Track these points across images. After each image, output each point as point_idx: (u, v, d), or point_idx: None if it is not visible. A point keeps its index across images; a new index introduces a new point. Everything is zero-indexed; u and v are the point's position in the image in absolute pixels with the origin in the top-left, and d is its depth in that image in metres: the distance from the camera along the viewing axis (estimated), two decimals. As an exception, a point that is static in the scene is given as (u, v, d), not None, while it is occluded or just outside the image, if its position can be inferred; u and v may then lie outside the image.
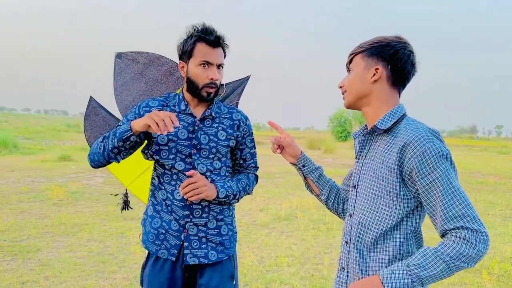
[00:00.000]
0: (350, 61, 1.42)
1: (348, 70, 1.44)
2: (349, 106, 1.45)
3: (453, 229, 1.20)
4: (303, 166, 1.65)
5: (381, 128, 1.33)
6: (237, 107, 2.09)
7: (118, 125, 1.81)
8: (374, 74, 1.35)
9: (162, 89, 2.10)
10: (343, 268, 1.44)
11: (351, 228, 1.41)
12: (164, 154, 1.78)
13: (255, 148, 1.96)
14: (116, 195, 2.32)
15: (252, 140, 1.93)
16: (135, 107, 1.86)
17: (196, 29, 1.75)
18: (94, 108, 2.13)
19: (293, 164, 1.67)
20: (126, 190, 2.26)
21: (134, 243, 4.95)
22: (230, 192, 1.80)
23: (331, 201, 1.65)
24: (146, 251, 1.88)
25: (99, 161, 1.74)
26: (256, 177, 1.99)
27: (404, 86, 1.40)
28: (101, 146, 1.69)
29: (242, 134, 1.88)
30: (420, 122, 1.35)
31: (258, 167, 1.99)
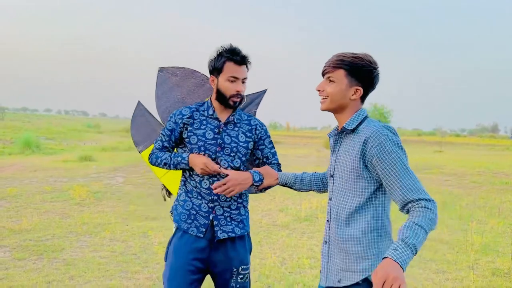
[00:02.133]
0: (331, 70, 1.70)
1: (326, 74, 1.72)
2: (325, 110, 1.77)
3: (413, 200, 1.52)
4: (285, 184, 2.10)
5: (348, 128, 1.68)
6: (254, 115, 2.50)
7: (161, 134, 2.24)
8: (354, 93, 1.69)
9: (194, 97, 2.53)
10: (325, 241, 1.77)
11: (331, 208, 1.75)
12: (195, 151, 2.14)
13: (274, 149, 2.30)
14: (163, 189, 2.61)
15: (271, 142, 2.28)
16: (171, 115, 2.23)
17: (225, 49, 2.11)
18: (141, 110, 2.62)
19: (279, 184, 2.11)
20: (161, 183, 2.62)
21: (157, 243, 4.98)
22: (262, 176, 2.17)
23: (321, 189, 2.07)
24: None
25: (156, 167, 2.26)
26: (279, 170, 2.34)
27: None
28: (163, 166, 2.20)
29: (259, 136, 2.23)
30: (378, 121, 1.70)
31: (280, 164, 2.31)
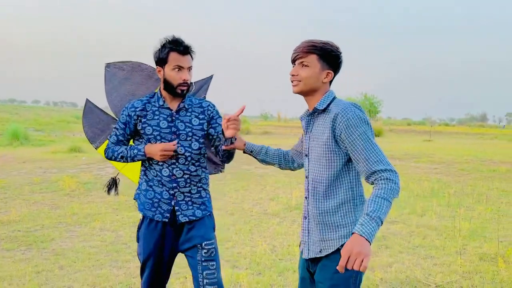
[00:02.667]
0: (304, 55, 1.80)
1: (299, 59, 1.81)
2: (298, 93, 1.86)
3: (377, 171, 1.65)
4: (251, 151, 2.19)
5: (320, 108, 1.81)
6: None
7: (115, 129, 2.30)
8: (326, 77, 1.82)
9: (144, 89, 2.59)
10: (305, 217, 1.90)
11: (308, 185, 1.87)
12: (152, 141, 2.24)
13: None
14: (112, 182, 2.65)
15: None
16: (124, 109, 2.28)
17: (168, 40, 2.18)
18: (90, 108, 2.67)
19: (243, 151, 2.19)
20: (117, 174, 2.70)
21: (147, 232, 4.96)
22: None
23: (282, 164, 2.21)
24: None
25: (113, 161, 2.38)
26: None
27: None
28: (120, 159, 2.30)
29: (211, 116, 2.32)
30: (345, 100, 1.82)
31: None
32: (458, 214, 6.03)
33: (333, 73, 1.84)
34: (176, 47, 2.16)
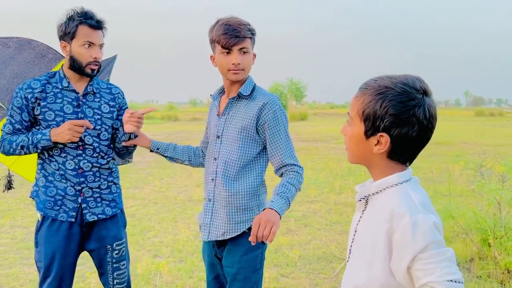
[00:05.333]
0: (243, 40, 1.75)
1: (237, 44, 1.74)
2: (237, 81, 1.83)
3: (288, 165, 1.79)
4: (158, 149, 2.06)
5: (245, 94, 1.82)
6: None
7: (9, 116, 1.98)
8: (253, 59, 1.84)
9: (35, 70, 2.30)
10: (210, 199, 1.87)
11: (217, 167, 1.85)
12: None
13: None
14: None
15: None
16: (17, 90, 1.99)
17: (77, 12, 1.96)
18: None
19: (150, 150, 2.07)
20: (8, 170, 2.42)
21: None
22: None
23: (192, 161, 2.10)
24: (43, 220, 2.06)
25: (13, 155, 2.03)
26: None
27: None
28: (20, 151, 1.98)
29: (120, 105, 2.16)
30: (265, 89, 1.90)
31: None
32: (372, 190, 6.44)
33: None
34: (86, 20, 1.95)
